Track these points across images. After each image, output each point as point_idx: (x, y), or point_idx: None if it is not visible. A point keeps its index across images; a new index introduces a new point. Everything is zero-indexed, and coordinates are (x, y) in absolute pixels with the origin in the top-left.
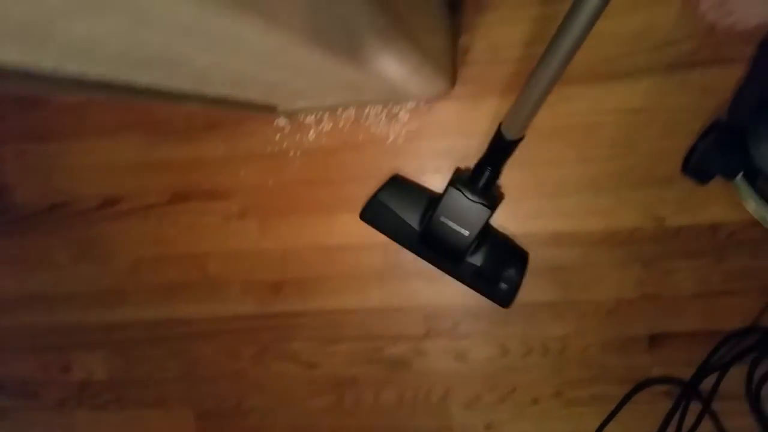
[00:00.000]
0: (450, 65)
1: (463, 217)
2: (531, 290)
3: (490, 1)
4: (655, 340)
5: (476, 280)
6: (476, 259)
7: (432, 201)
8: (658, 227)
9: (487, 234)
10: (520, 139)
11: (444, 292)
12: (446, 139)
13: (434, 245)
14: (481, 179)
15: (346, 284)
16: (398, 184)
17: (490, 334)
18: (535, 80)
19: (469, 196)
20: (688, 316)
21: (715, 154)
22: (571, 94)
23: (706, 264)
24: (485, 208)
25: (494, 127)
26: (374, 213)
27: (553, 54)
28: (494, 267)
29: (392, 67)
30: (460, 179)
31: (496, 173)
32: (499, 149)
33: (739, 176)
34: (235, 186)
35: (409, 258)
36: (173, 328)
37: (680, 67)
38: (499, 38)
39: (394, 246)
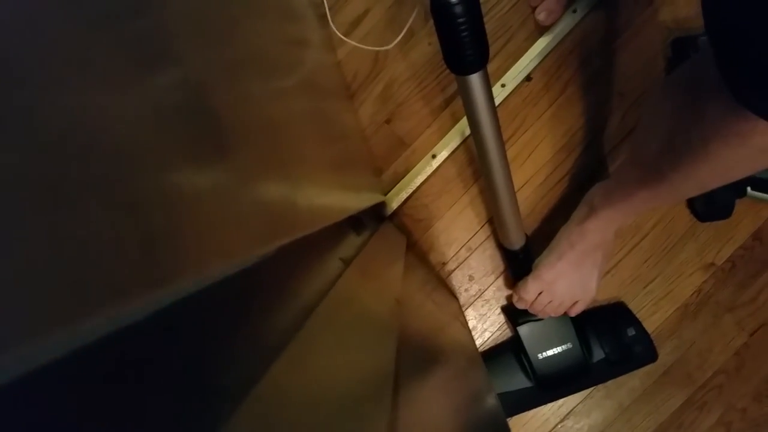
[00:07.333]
0: (441, 285)
1: (552, 337)
2: (663, 403)
3: (427, 214)
4: None
5: (615, 369)
6: (597, 354)
7: (516, 351)
8: (715, 272)
9: (582, 326)
10: (527, 242)
11: None
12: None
13: (557, 381)
14: None
15: None
16: None
17: None
18: (493, 194)
19: (537, 317)
20: None
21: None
22: None
23: None
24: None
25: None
26: None
27: (488, 169)
28: (616, 344)
29: None
30: (515, 312)
31: None
32: (516, 259)
33: (749, 190)
34: None
35: None
36: None
37: None
38: (460, 234)
39: None
